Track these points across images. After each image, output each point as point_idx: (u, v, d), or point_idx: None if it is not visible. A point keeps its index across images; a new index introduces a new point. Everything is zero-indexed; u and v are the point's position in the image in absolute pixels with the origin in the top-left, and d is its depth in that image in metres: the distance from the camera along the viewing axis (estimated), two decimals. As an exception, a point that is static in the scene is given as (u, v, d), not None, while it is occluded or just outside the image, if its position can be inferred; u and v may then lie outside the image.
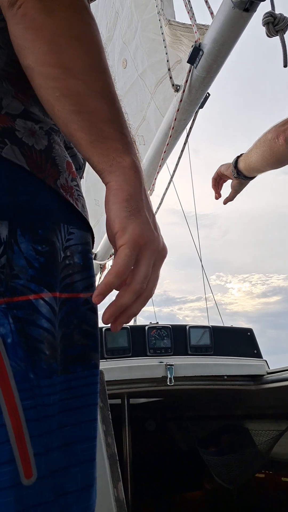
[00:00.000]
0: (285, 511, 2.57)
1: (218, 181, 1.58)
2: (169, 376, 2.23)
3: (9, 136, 0.62)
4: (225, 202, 1.60)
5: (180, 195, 3.49)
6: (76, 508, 0.60)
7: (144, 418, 3.05)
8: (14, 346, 0.57)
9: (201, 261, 3.48)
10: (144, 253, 0.63)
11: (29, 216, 0.60)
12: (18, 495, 0.55)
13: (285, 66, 1.32)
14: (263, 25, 1.34)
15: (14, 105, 0.64)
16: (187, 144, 1.91)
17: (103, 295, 0.62)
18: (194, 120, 1.83)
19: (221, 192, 1.59)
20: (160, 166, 1.99)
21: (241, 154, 1.47)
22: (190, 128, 1.85)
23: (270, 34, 1.35)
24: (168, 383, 2.23)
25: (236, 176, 1.48)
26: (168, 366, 2.24)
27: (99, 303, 0.64)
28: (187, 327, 2.53)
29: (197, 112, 1.80)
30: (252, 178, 1.49)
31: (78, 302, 0.64)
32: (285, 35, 1.35)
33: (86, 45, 0.61)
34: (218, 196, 1.61)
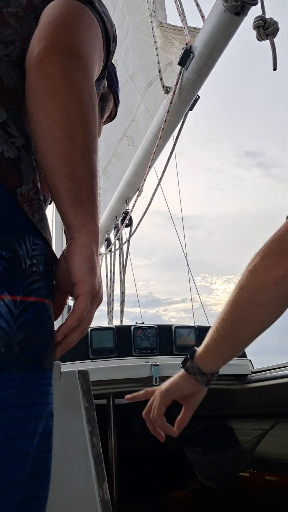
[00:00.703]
0: (269, 509, 2.60)
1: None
2: (154, 376, 2.24)
3: None
4: (179, 428, 1.17)
5: (166, 196, 3.51)
6: (13, 497, 0.65)
7: (129, 418, 3.05)
8: None
9: (187, 262, 3.50)
10: (93, 302, 0.77)
11: None
12: None
13: (274, 69, 1.35)
14: (254, 29, 1.37)
15: None
16: (176, 145, 1.93)
17: (64, 335, 0.76)
18: (183, 122, 1.85)
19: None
20: (149, 167, 2.00)
21: (191, 356, 1.11)
22: (180, 130, 1.87)
23: (260, 37, 1.37)
24: (154, 383, 2.23)
25: (210, 383, 1.13)
26: (154, 366, 2.25)
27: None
28: (173, 327, 2.54)
29: (186, 114, 1.82)
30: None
31: (43, 307, 0.71)
32: (274, 39, 1.38)
33: (90, 127, 0.75)
34: (173, 432, 1.16)
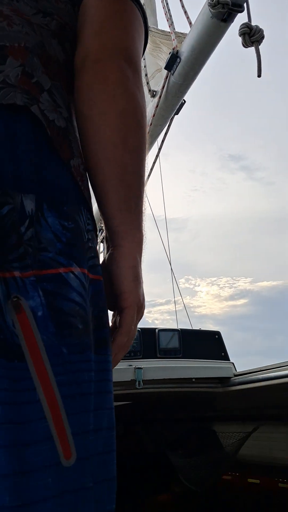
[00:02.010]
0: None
1: None
2: (138, 379, 2.24)
3: (32, 105, 0.65)
4: None
5: (149, 198, 3.51)
6: (107, 498, 0.59)
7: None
8: (45, 319, 0.55)
9: (170, 264, 3.51)
10: (138, 316, 0.73)
11: (54, 192, 0.62)
12: (57, 477, 0.52)
13: (259, 76, 1.36)
14: (240, 36, 1.38)
15: (44, 79, 0.68)
16: (161, 149, 1.94)
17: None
18: (169, 126, 1.86)
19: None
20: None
21: None
22: (165, 133, 1.88)
23: (246, 44, 1.39)
24: (137, 386, 2.23)
25: None
26: (137, 369, 2.25)
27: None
28: (156, 330, 2.55)
29: (172, 118, 1.83)
30: None
31: (101, 286, 0.65)
32: (260, 46, 1.39)
33: (143, 132, 0.73)
34: None
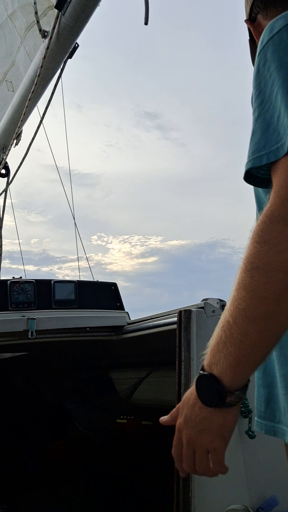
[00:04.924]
0: (145, 451, 2.78)
1: None
2: (30, 329, 2.24)
3: None
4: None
5: (63, 152, 3.39)
6: None
7: (9, 373, 3.04)
8: None
9: (74, 219, 3.47)
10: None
11: None
12: None
13: (145, 23, 1.35)
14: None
15: None
16: (54, 94, 1.87)
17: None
18: (62, 70, 1.79)
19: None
20: (25, 114, 1.92)
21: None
22: (59, 77, 1.82)
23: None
24: (30, 337, 2.24)
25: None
26: (30, 320, 2.24)
27: None
28: (52, 282, 2.54)
29: (65, 61, 1.76)
30: None
31: None
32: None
33: None
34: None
